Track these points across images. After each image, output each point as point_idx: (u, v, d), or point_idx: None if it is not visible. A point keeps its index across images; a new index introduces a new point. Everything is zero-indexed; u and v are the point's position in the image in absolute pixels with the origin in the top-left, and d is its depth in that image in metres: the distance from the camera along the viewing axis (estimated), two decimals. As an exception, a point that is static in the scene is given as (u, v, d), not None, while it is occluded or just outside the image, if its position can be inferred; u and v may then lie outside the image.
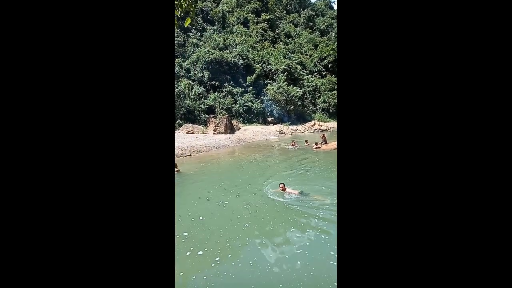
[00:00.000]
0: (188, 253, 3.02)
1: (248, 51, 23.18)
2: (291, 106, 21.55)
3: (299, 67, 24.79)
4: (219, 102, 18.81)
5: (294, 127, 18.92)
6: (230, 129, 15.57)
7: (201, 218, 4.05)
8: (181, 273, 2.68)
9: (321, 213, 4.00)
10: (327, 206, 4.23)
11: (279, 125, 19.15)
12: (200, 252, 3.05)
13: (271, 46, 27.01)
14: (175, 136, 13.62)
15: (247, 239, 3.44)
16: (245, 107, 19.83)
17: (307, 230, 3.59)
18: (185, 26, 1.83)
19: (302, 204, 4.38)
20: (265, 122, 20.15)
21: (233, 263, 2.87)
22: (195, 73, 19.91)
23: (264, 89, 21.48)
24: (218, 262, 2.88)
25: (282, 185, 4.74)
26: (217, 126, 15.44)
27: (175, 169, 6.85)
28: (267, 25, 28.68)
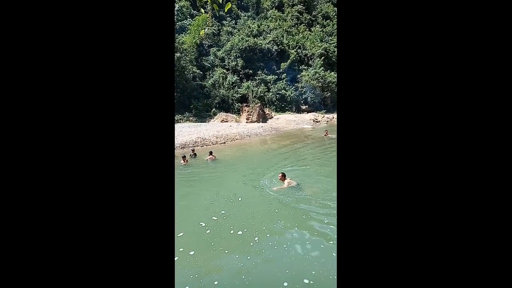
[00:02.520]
0: (231, 232, 3.29)
1: (283, 36, 22.34)
2: (327, 93, 20.36)
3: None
4: (252, 90, 18.80)
5: (330, 115, 17.95)
6: (263, 118, 15.55)
7: (239, 199, 4.31)
8: (226, 251, 2.87)
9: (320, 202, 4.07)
10: (319, 198, 4.31)
11: (314, 113, 18.38)
12: (240, 232, 3.27)
13: (307, 29, 25.46)
14: (211, 125, 14.22)
15: (279, 222, 3.50)
16: (278, 95, 19.46)
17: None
18: (225, 11, 1.82)
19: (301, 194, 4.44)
20: (299, 111, 19.54)
21: (270, 243, 3.03)
22: (229, 62, 20.14)
23: (299, 76, 20.64)
24: (257, 241, 3.05)
25: (281, 174, 4.82)
26: (250, 115, 15.56)
27: (211, 156, 7.17)
28: (303, 7, 26.96)
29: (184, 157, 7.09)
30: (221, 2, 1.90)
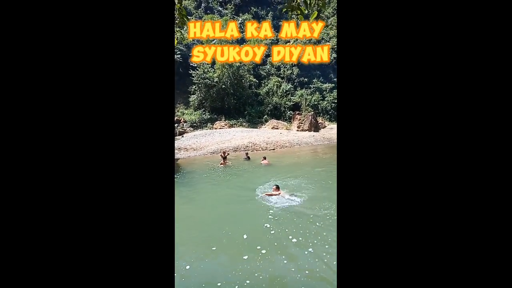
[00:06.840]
0: (290, 237, 3.37)
1: (343, 43, 21.32)
2: (391, 104, 18.21)
3: (407, 56, 20.38)
4: (306, 98, 18.52)
5: (393, 129, 15.94)
6: (315, 127, 15.08)
7: (294, 204, 4.43)
8: (285, 261, 2.86)
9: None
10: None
11: (373, 125, 16.68)
12: (295, 240, 3.29)
13: (372, 34, 23.53)
14: (262, 131, 14.67)
15: (324, 234, 3.40)
16: (333, 104, 18.56)
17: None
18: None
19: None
20: (356, 121, 18.08)
21: (326, 246, 3.06)
22: (284, 71, 20.45)
23: (358, 84, 19.21)
24: (317, 244, 3.08)
25: (275, 187, 4.88)
26: (301, 123, 15.32)
27: (266, 161, 7.49)
28: (369, 11, 25.12)
29: (224, 158, 7.64)
30: (306, 12, 2.02)
